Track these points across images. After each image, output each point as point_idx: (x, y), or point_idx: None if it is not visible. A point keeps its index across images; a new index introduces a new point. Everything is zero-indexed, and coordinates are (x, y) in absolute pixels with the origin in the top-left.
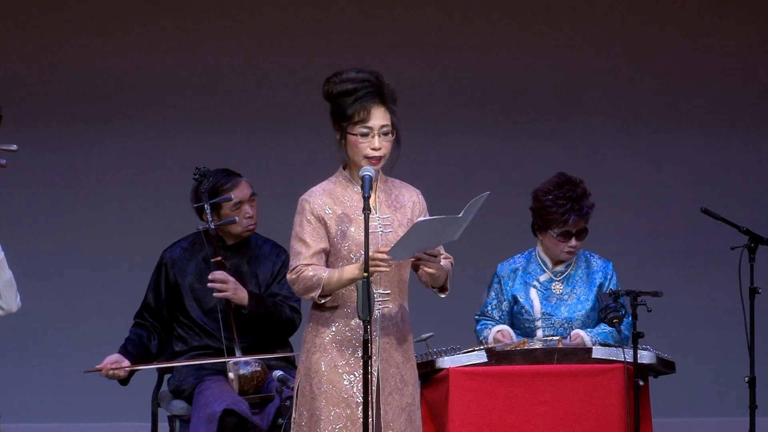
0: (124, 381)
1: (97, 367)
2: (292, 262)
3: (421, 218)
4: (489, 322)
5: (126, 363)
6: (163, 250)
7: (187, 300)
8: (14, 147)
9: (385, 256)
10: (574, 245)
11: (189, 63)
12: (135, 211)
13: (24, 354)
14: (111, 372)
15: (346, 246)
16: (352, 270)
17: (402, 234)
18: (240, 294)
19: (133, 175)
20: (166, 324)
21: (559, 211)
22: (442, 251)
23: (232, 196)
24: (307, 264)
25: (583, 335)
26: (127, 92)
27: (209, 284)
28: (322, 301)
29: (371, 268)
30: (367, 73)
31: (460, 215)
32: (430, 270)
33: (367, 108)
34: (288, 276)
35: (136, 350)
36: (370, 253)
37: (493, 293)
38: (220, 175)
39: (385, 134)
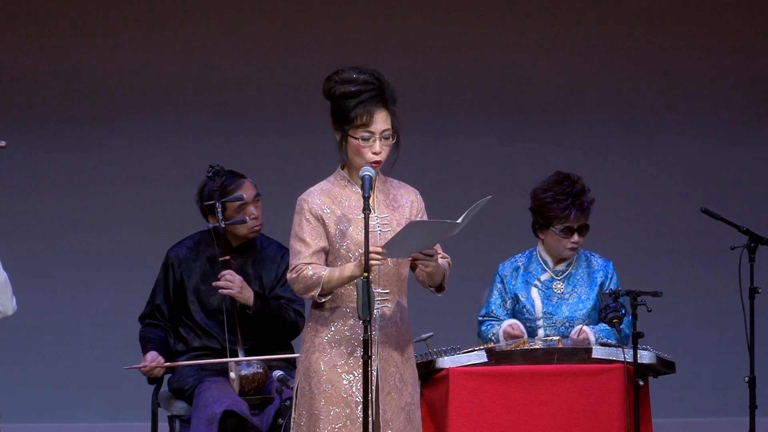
0: (158, 379)
1: (143, 364)
2: (292, 262)
3: (417, 219)
4: (494, 321)
5: (162, 360)
6: (168, 248)
7: (190, 301)
8: (3, 143)
9: (380, 250)
10: (577, 241)
11: (189, 63)
12: (135, 211)
13: (24, 354)
14: (154, 372)
15: (344, 246)
16: (351, 268)
17: (407, 223)
18: (245, 294)
19: (133, 175)
20: (175, 322)
21: (560, 206)
22: (440, 251)
23: (243, 195)
24: (307, 263)
25: (588, 331)
26: (127, 92)
27: (215, 283)
28: (323, 300)
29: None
30: (369, 74)
31: (459, 221)
32: (427, 269)
33: (370, 112)
34: (288, 275)
35: (163, 348)
36: (371, 248)
37: (496, 292)
38: (225, 176)
39: (386, 138)
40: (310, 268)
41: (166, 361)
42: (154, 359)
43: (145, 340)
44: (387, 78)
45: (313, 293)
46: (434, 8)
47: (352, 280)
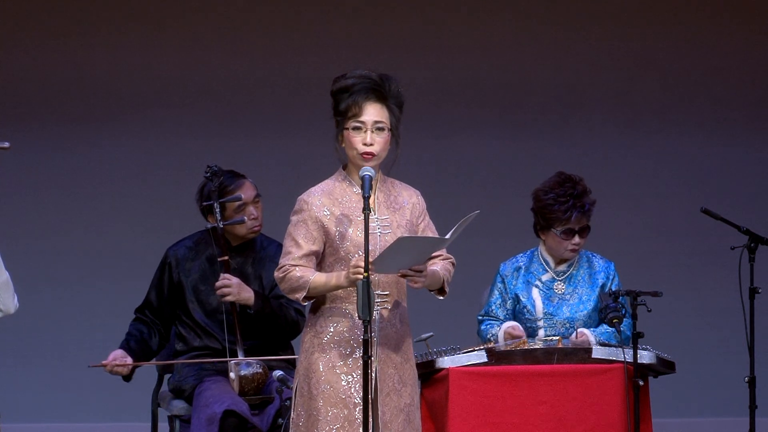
0: (126, 377)
1: (102, 362)
2: (281, 261)
3: (406, 235)
4: (494, 321)
5: (129, 360)
6: (168, 247)
7: (189, 301)
8: (6, 144)
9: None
10: (578, 242)
11: (189, 63)
12: (135, 211)
13: (24, 353)
14: (115, 369)
15: (344, 247)
16: (340, 278)
17: (395, 239)
18: (244, 294)
19: (133, 175)
20: (166, 321)
21: (561, 208)
22: (443, 252)
23: (242, 195)
24: (294, 264)
25: (588, 334)
26: (127, 92)
27: (216, 291)
28: (306, 303)
29: (353, 276)
30: (369, 71)
31: (447, 236)
32: (416, 285)
33: (359, 103)
34: (275, 274)
35: (138, 346)
36: (354, 261)
37: (496, 292)
38: (224, 176)
39: (379, 130)
40: (297, 269)
41: (136, 360)
42: (116, 358)
43: (127, 335)
44: (391, 78)
45: (297, 295)
46: (434, 8)
47: (338, 289)
